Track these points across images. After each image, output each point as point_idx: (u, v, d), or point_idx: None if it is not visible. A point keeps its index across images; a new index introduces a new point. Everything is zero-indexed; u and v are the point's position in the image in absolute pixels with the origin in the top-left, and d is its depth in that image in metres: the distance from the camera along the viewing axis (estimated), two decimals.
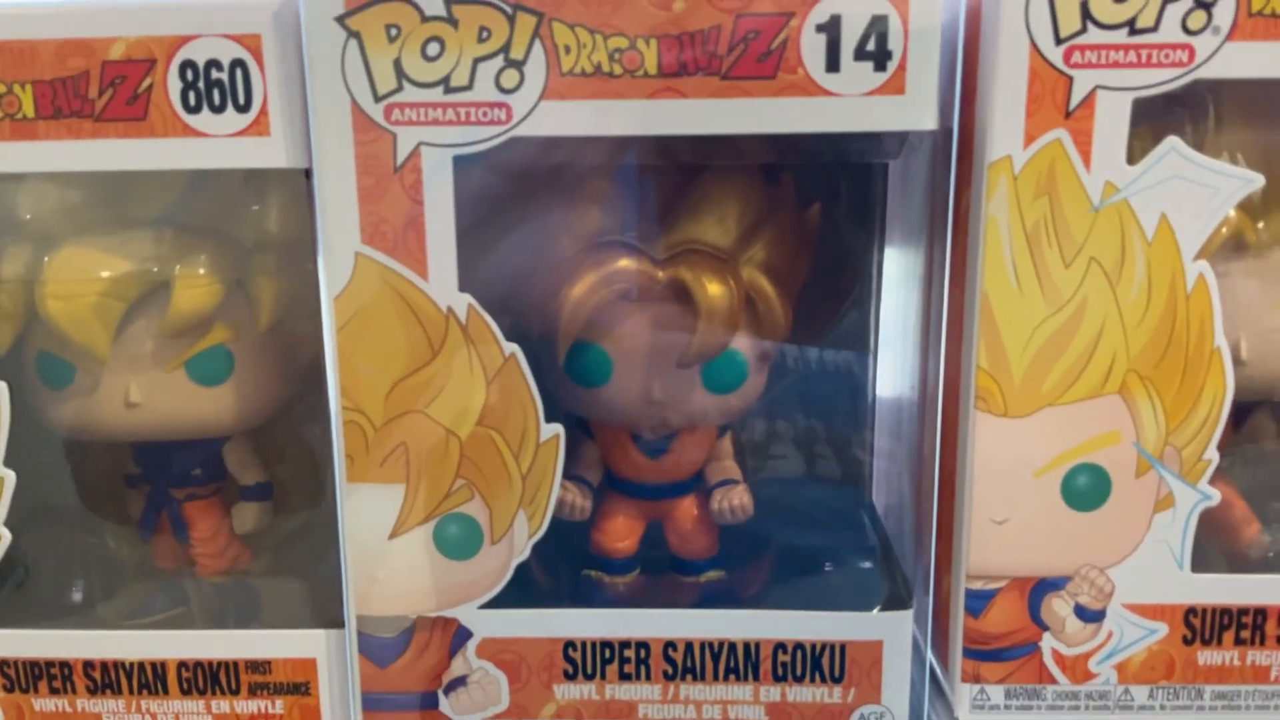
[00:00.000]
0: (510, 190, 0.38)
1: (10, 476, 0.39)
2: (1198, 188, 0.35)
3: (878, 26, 0.33)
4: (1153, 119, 0.36)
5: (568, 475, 0.40)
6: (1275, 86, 0.35)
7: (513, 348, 0.37)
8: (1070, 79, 0.34)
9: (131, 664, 0.41)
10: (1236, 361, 0.38)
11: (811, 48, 0.34)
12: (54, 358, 0.40)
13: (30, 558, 0.43)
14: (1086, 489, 0.37)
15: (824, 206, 0.41)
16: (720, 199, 0.39)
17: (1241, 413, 0.41)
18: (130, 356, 0.40)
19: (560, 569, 0.42)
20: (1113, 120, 0.34)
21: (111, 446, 0.43)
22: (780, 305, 0.39)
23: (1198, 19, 0.34)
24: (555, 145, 0.35)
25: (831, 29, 0.33)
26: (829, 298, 0.41)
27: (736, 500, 0.42)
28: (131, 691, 0.41)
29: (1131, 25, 0.34)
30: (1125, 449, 0.37)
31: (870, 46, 0.34)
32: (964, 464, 0.37)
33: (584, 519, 0.42)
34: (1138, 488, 0.37)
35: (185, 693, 0.41)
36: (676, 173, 0.38)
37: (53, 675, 0.41)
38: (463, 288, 0.36)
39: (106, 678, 0.41)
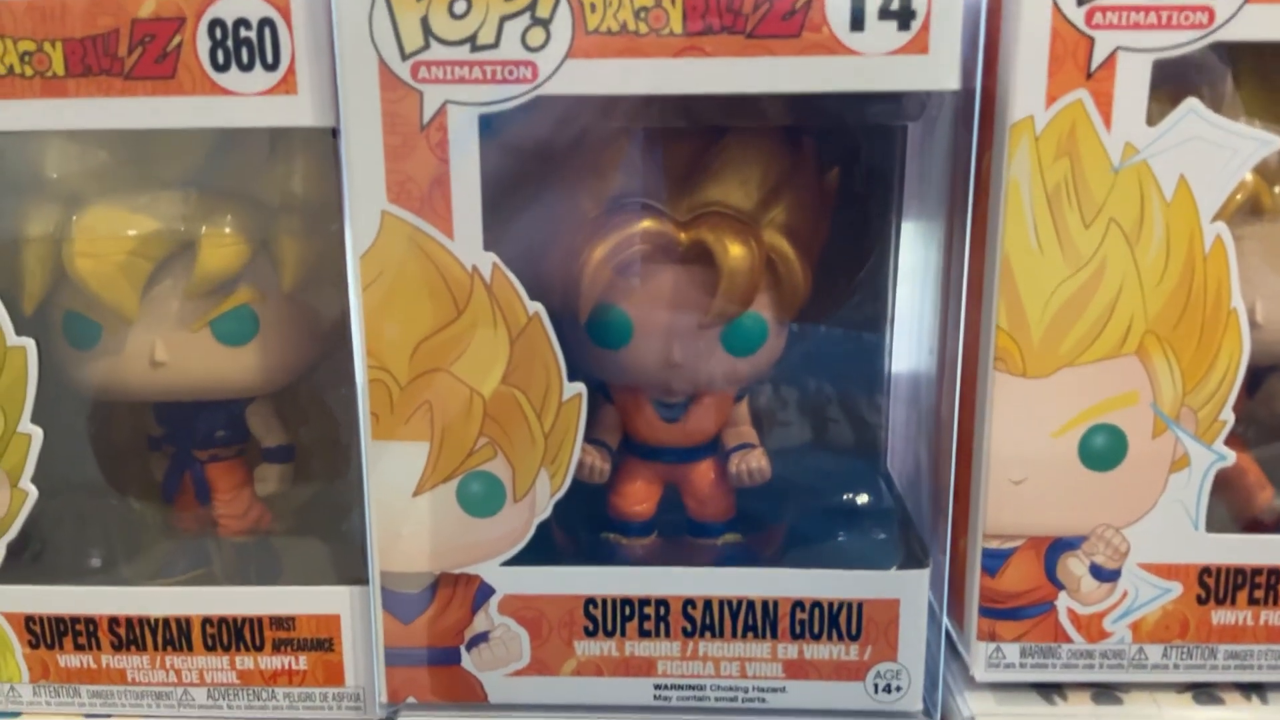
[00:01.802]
0: (534, 151, 0.38)
1: (37, 434, 0.39)
2: (1216, 149, 0.35)
3: None
4: (1173, 81, 0.36)
5: (587, 438, 0.40)
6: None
7: (536, 307, 0.37)
8: (1092, 40, 0.34)
9: (156, 620, 0.41)
10: (1251, 325, 0.38)
11: (836, 6, 0.34)
12: (81, 317, 0.40)
13: (53, 520, 0.43)
14: (1103, 449, 0.37)
15: (844, 170, 0.41)
16: (742, 162, 0.39)
17: (1256, 378, 0.41)
18: (156, 316, 0.40)
19: (580, 530, 0.42)
20: (1133, 81, 0.35)
21: (134, 409, 0.44)
22: (800, 267, 0.39)
23: None
24: (579, 105, 0.36)
25: None
26: (848, 261, 0.42)
27: (755, 463, 0.42)
28: (156, 648, 0.41)
29: None
30: (1142, 409, 0.37)
31: (894, 6, 0.34)
32: (982, 424, 0.38)
33: (603, 481, 0.42)
34: (1154, 448, 0.37)
35: (209, 649, 0.41)
36: (699, 135, 0.39)
37: (78, 631, 0.42)
38: (487, 247, 0.37)
39: (131, 634, 0.41)
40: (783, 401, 0.45)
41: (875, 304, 0.44)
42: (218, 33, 0.36)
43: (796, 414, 0.46)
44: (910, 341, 0.45)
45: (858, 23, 0.34)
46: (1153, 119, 0.35)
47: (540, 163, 0.39)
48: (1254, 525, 0.41)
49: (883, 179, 0.43)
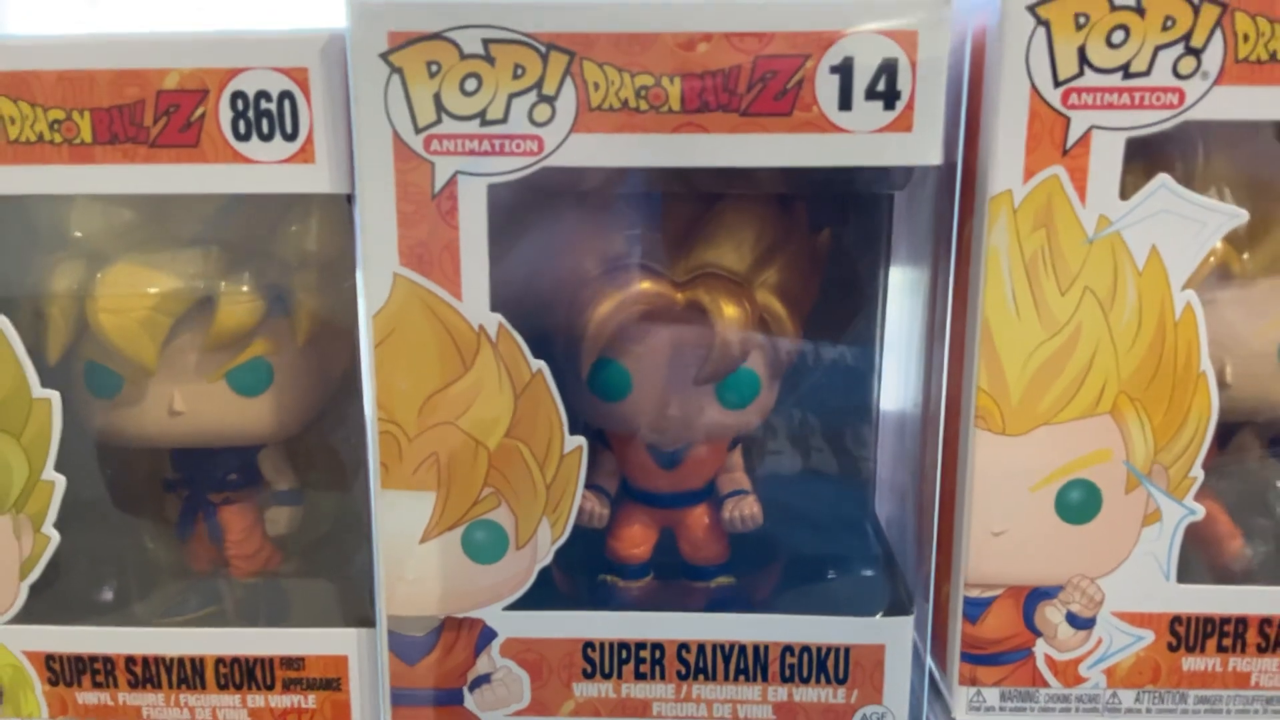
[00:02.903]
0: (539, 216, 0.40)
1: (60, 481, 0.41)
2: (1186, 221, 0.37)
3: (888, 68, 0.36)
4: (1145, 156, 0.38)
5: (587, 485, 0.41)
6: (1260, 127, 0.38)
7: (540, 364, 0.39)
8: (1068, 119, 0.36)
9: (171, 659, 0.43)
10: (1221, 384, 0.40)
11: (825, 87, 0.36)
12: (103, 368, 0.42)
13: (70, 555, 0.45)
14: (1079, 503, 0.39)
15: (834, 232, 0.43)
16: (737, 226, 0.41)
17: (1227, 432, 0.43)
18: (175, 368, 0.42)
19: (579, 573, 0.44)
20: (1107, 158, 0.37)
21: (151, 452, 0.46)
22: (791, 326, 0.41)
23: (1188, 64, 0.36)
24: (583, 175, 0.38)
25: (844, 70, 0.36)
26: (838, 317, 0.44)
27: (747, 510, 0.44)
28: (171, 686, 0.43)
29: (1126, 70, 0.36)
30: (1116, 466, 0.39)
31: (880, 87, 0.36)
32: (964, 478, 0.39)
33: (602, 526, 0.44)
34: (1127, 503, 0.39)
35: (222, 687, 0.43)
36: (696, 201, 0.41)
37: (96, 670, 0.43)
38: (494, 308, 0.38)
39: (147, 672, 0.43)
40: (775, 447, 0.47)
41: (864, 355, 0.46)
42: (239, 104, 0.38)
43: (788, 460, 0.47)
44: (897, 390, 0.46)
45: (845, 103, 0.36)
46: (1127, 192, 0.37)
47: (546, 225, 0.41)
48: (1226, 572, 0.43)
49: (871, 240, 0.44)
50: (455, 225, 0.37)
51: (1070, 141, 0.36)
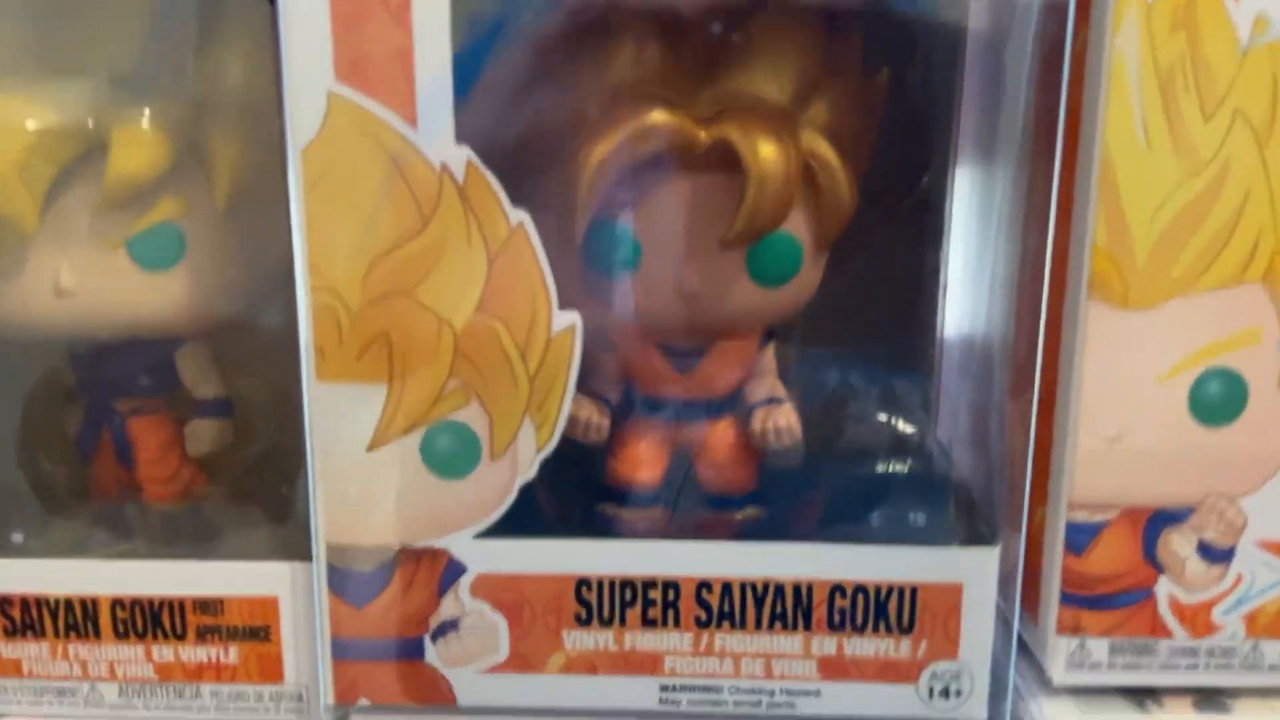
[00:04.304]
0: (523, 29, 0.32)
1: None
2: None
3: None
4: None
5: (583, 390, 0.34)
6: None
7: (520, 215, 0.30)
8: None
9: (57, 601, 0.35)
10: None
11: None
12: None
13: None
14: (1219, 399, 0.31)
15: (895, 71, 0.35)
16: (776, 48, 0.32)
17: None
18: (62, 233, 0.34)
19: (572, 496, 0.36)
20: None
21: (41, 347, 0.37)
22: (845, 177, 0.32)
23: None
24: None
25: None
26: (899, 175, 0.35)
27: (783, 421, 0.36)
28: (57, 634, 0.35)
29: None
30: (1268, 350, 0.31)
31: None
32: (1071, 368, 0.31)
33: (600, 440, 0.36)
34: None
35: (121, 636, 0.35)
36: (725, 13, 0.32)
37: None
38: (461, 139, 0.30)
39: (27, 617, 0.35)
40: (818, 344, 0.38)
41: (928, 232, 0.37)
42: None
43: (834, 361, 0.39)
44: (971, 268, 0.38)
45: None
46: None
47: (533, 43, 0.32)
48: None
49: (941, 83, 0.36)
50: (408, 25, 0.29)
51: None
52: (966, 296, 0.37)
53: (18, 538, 0.41)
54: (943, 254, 0.38)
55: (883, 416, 0.39)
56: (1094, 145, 0.30)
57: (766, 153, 0.32)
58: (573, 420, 0.34)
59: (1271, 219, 0.30)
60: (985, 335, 0.37)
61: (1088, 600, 0.33)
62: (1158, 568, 0.32)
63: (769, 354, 0.38)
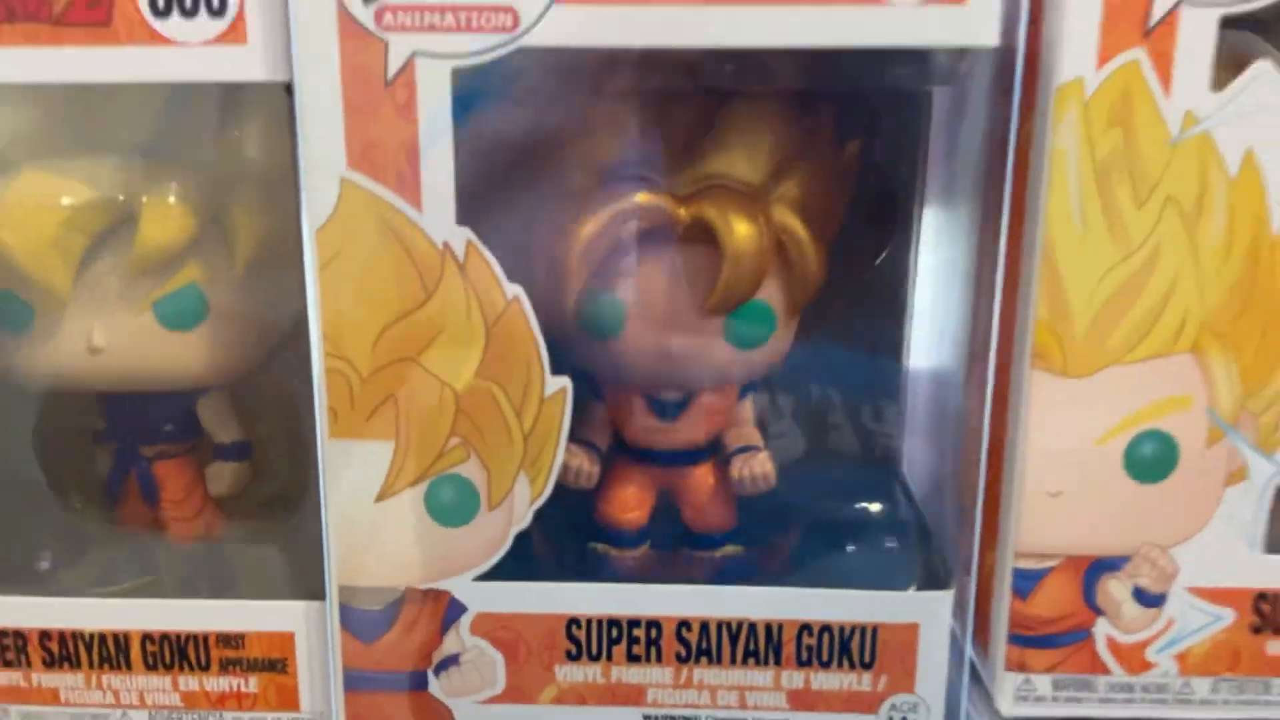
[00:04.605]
0: (514, 115, 0.34)
1: None
2: None
3: None
4: (1239, 48, 0.32)
5: (574, 439, 0.36)
6: None
7: (516, 290, 0.33)
8: None
9: (91, 635, 0.37)
10: None
11: None
12: (11, 297, 0.36)
13: None
14: (1152, 459, 0.34)
15: (864, 145, 0.37)
16: (750, 129, 0.35)
17: None
18: (95, 297, 0.37)
19: (564, 540, 0.38)
20: (1197, 41, 0.31)
21: (78, 401, 0.40)
22: (814, 250, 0.35)
23: None
24: (566, 61, 0.32)
25: None
26: (867, 244, 0.38)
27: (759, 468, 0.38)
28: (91, 666, 0.38)
29: None
30: (1196, 415, 0.33)
31: None
32: (1016, 429, 0.34)
33: (590, 486, 0.39)
34: (1208, 458, 0.34)
35: (150, 668, 0.37)
36: (702, 98, 0.35)
37: (6, 647, 0.38)
38: (461, 222, 0.33)
39: (64, 650, 0.37)
40: (790, 400, 0.41)
41: (893, 294, 0.40)
42: None
43: (805, 415, 0.42)
44: (932, 335, 0.41)
45: None
46: (1219, 83, 0.31)
47: (524, 128, 0.35)
48: None
49: (906, 153, 0.39)
50: (414, 119, 0.31)
51: (1153, 20, 0.30)
52: (929, 358, 0.40)
53: (45, 564, 0.44)
54: (907, 316, 0.41)
55: (852, 462, 0.42)
56: (1037, 228, 0.32)
57: (741, 231, 0.34)
58: (565, 468, 0.37)
59: (1199, 296, 0.33)
60: (941, 397, 0.39)
61: (1033, 640, 0.35)
62: (1096, 611, 0.35)
63: (747, 405, 0.41)
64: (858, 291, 0.39)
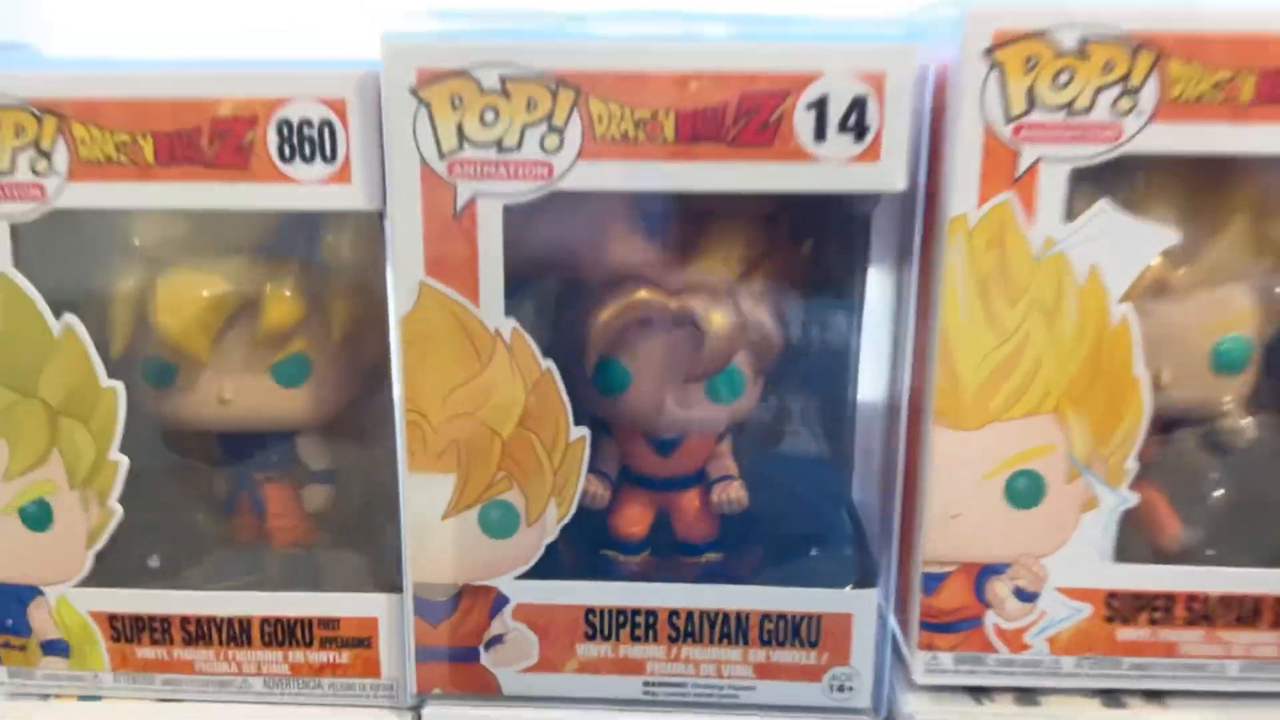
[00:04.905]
0: (552, 233, 0.45)
1: (124, 462, 0.46)
2: (1124, 242, 0.41)
3: (858, 105, 0.40)
4: (1094, 181, 0.42)
5: (590, 469, 0.46)
6: (1191, 159, 0.42)
7: (549, 364, 0.44)
8: (1017, 151, 0.41)
9: (221, 619, 0.48)
10: (1160, 387, 0.45)
11: (803, 121, 0.40)
12: (162, 361, 0.47)
13: (132, 529, 0.50)
14: (1025, 490, 0.44)
15: (815, 245, 0.48)
16: (725, 241, 0.45)
17: (1168, 427, 0.48)
18: (225, 362, 0.47)
19: (583, 548, 0.49)
20: (1053, 186, 0.41)
21: (203, 436, 0.50)
22: (774, 332, 0.46)
23: (1125, 103, 0.40)
24: (592, 197, 0.42)
25: (819, 106, 0.40)
26: (817, 321, 0.48)
27: (733, 494, 0.49)
28: (220, 643, 0.48)
29: (1069, 107, 0.40)
30: (1059, 458, 0.44)
31: (851, 122, 0.40)
32: (924, 467, 0.44)
33: (603, 507, 0.49)
34: (1069, 491, 0.44)
35: (266, 644, 0.48)
36: (689, 219, 0.45)
37: (154, 628, 0.49)
38: (507, 314, 0.43)
39: (200, 630, 0.48)
40: (760, 437, 0.52)
41: (843, 354, 0.50)
42: (285, 130, 0.42)
43: (772, 449, 0.52)
44: (873, 386, 0.51)
45: (820, 135, 0.40)
46: (1073, 214, 0.42)
47: (559, 241, 0.46)
48: (1166, 554, 0.48)
49: (850, 250, 0.49)
50: (474, 241, 0.42)
51: (1020, 171, 0.41)
52: (870, 397, 0.50)
53: (154, 563, 0.54)
54: (855, 366, 0.51)
55: (810, 487, 0.52)
56: (935, 319, 0.43)
57: (716, 320, 0.45)
58: (583, 493, 0.47)
59: (1057, 371, 0.42)
60: (873, 443, 0.50)
61: (938, 626, 0.46)
62: (985, 604, 0.45)
63: (726, 443, 0.51)
64: (820, 357, 0.49)
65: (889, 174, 0.41)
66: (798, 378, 0.49)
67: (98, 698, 0.50)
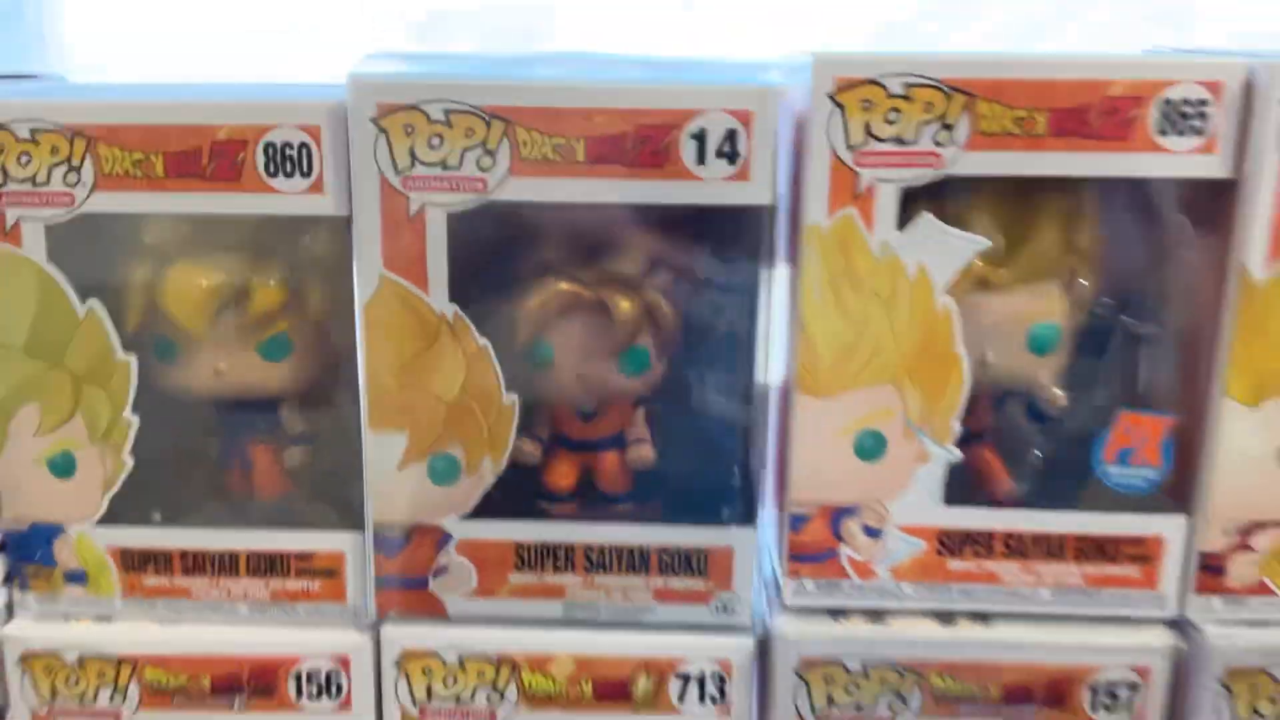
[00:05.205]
0: (495, 239, 0.55)
1: (135, 421, 0.55)
2: (945, 247, 0.51)
3: (730, 136, 0.50)
4: (930, 197, 0.51)
5: (526, 433, 0.55)
6: (1010, 180, 0.52)
7: (484, 341, 0.53)
8: (858, 174, 0.50)
9: (214, 554, 0.56)
10: (986, 364, 0.55)
11: (687, 148, 0.50)
12: (165, 339, 0.56)
13: (140, 479, 0.58)
14: (871, 447, 0.53)
15: (714, 245, 0.58)
16: (632, 243, 0.54)
17: (1000, 399, 0.58)
18: (219, 340, 0.55)
19: (517, 499, 0.58)
20: (887, 201, 0.50)
21: (200, 403, 0.58)
22: (671, 316, 0.55)
23: (943, 136, 0.50)
24: (520, 207, 0.52)
25: (700, 137, 0.50)
26: (715, 308, 0.58)
27: (644, 454, 0.57)
28: (213, 573, 0.57)
29: (898, 139, 0.50)
30: (897, 420, 0.53)
31: (726, 149, 0.50)
32: (790, 430, 0.54)
33: (534, 463, 0.58)
34: (906, 447, 0.53)
35: (251, 574, 0.56)
36: (601, 225, 0.54)
37: (157, 561, 0.57)
38: (451, 300, 0.53)
39: (196, 563, 0.56)
40: (668, 405, 0.61)
41: (741, 335, 0.58)
42: (270, 151, 0.51)
43: (678, 415, 0.62)
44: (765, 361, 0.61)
45: (701, 159, 0.50)
46: (907, 222, 0.51)
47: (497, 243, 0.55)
48: (1000, 503, 0.58)
49: (745, 249, 0.58)
50: (424, 241, 0.51)
51: (860, 189, 0.50)
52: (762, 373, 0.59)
53: (157, 517, 0.63)
54: (749, 350, 0.60)
55: (707, 448, 0.62)
56: (798, 305, 0.52)
57: (624, 306, 0.54)
58: (517, 450, 0.55)
59: (895, 350, 0.51)
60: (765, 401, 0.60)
61: (803, 558, 0.55)
62: (840, 540, 0.55)
63: (639, 410, 0.60)
64: (723, 341, 0.58)
65: (757, 191, 0.51)
66: (703, 358, 0.59)
67: (109, 619, 0.58)
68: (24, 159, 0.52)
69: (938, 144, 0.50)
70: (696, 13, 0.90)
